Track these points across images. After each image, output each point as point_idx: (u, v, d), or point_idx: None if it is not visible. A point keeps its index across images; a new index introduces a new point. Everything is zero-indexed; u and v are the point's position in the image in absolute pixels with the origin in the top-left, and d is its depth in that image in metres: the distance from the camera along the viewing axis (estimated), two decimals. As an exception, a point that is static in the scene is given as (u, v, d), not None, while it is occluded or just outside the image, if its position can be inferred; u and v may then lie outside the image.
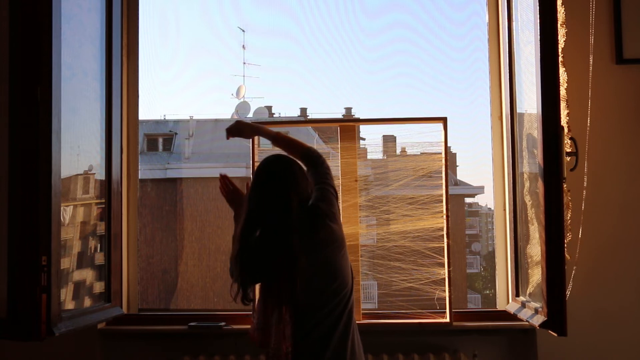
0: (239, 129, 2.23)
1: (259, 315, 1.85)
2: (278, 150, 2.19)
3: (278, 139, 2.17)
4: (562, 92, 2.25)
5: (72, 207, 2.35)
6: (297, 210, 1.81)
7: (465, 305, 13.50)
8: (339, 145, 2.63)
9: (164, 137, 15.19)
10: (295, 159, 2.01)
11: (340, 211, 2.00)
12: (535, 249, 2.27)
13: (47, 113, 2.04)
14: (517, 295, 2.50)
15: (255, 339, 1.88)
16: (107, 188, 2.53)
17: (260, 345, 1.87)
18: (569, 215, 2.28)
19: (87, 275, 2.46)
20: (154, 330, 2.63)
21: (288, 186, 1.84)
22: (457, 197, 14.52)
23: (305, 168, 2.00)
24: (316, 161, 2.04)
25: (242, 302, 1.88)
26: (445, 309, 2.54)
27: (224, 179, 2.15)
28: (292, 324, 1.78)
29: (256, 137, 2.57)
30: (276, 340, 1.79)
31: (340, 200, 2.44)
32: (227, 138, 2.26)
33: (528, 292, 2.41)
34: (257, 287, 2.10)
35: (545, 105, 1.99)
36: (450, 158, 2.79)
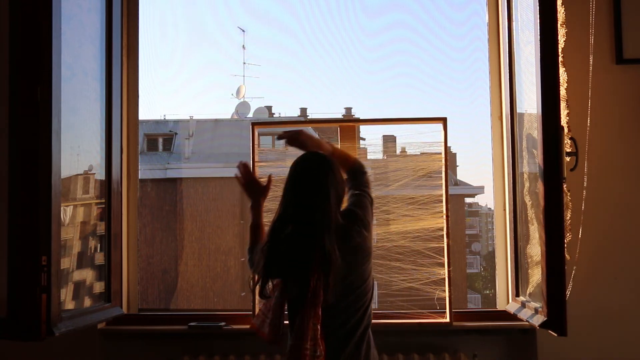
0: (301, 141, 2.05)
1: (273, 311, 1.85)
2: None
3: (335, 154, 2.06)
4: (562, 92, 2.25)
5: (72, 207, 2.35)
6: (335, 210, 1.81)
7: (465, 305, 13.51)
8: (339, 146, 2.63)
9: (164, 137, 15.18)
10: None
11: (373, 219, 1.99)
12: (535, 249, 2.27)
13: (47, 113, 2.04)
14: (517, 295, 2.50)
15: (263, 335, 1.87)
16: (107, 188, 2.53)
17: (268, 341, 1.87)
18: (569, 215, 2.28)
19: (87, 275, 2.46)
20: (154, 330, 2.63)
21: (327, 184, 1.82)
22: (457, 197, 14.53)
23: (346, 175, 2.00)
24: (360, 169, 2.03)
25: (260, 296, 1.88)
26: (445, 309, 2.54)
27: (244, 167, 2.14)
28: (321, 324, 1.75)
29: (257, 137, 2.62)
30: (299, 338, 1.73)
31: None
32: (286, 147, 2.16)
33: (528, 292, 2.41)
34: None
35: (545, 105, 1.99)
36: (450, 158, 2.80)
